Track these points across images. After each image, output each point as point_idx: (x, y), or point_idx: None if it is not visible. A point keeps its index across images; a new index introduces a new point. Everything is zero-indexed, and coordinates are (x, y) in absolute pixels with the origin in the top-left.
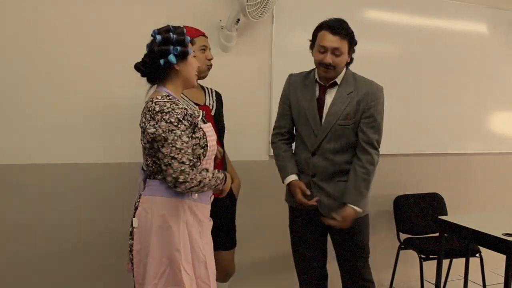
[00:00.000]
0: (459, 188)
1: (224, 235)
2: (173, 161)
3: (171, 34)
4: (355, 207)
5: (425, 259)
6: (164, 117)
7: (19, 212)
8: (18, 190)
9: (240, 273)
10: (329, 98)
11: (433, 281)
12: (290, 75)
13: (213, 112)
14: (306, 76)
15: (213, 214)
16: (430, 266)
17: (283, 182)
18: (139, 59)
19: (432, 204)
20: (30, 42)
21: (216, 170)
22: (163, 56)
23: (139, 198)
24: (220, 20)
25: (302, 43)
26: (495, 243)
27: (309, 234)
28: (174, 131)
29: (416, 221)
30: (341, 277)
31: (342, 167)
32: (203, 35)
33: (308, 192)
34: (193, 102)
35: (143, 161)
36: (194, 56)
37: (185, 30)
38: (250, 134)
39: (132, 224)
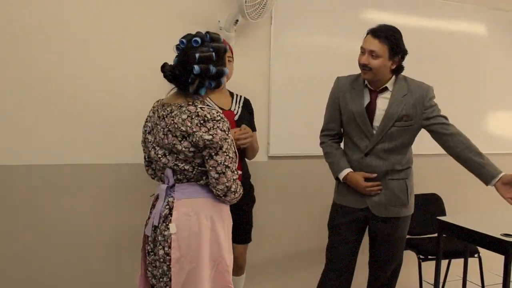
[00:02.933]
0: (458, 189)
1: (242, 229)
2: (227, 169)
3: (211, 67)
4: (499, 172)
5: (423, 260)
6: (218, 125)
7: (20, 213)
8: (18, 191)
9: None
10: (380, 103)
11: (432, 281)
12: (338, 78)
13: (236, 117)
14: (354, 80)
15: (234, 209)
16: (429, 267)
17: (336, 178)
18: (138, 58)
19: (430, 204)
20: (32, 41)
21: None
22: (196, 87)
23: (167, 203)
24: (219, 21)
25: (301, 44)
26: (493, 244)
27: (351, 234)
28: (227, 140)
29: (415, 221)
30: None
31: (394, 166)
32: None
33: (374, 174)
34: (218, 106)
35: (168, 164)
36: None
37: (228, 48)
38: None
39: (161, 231)
